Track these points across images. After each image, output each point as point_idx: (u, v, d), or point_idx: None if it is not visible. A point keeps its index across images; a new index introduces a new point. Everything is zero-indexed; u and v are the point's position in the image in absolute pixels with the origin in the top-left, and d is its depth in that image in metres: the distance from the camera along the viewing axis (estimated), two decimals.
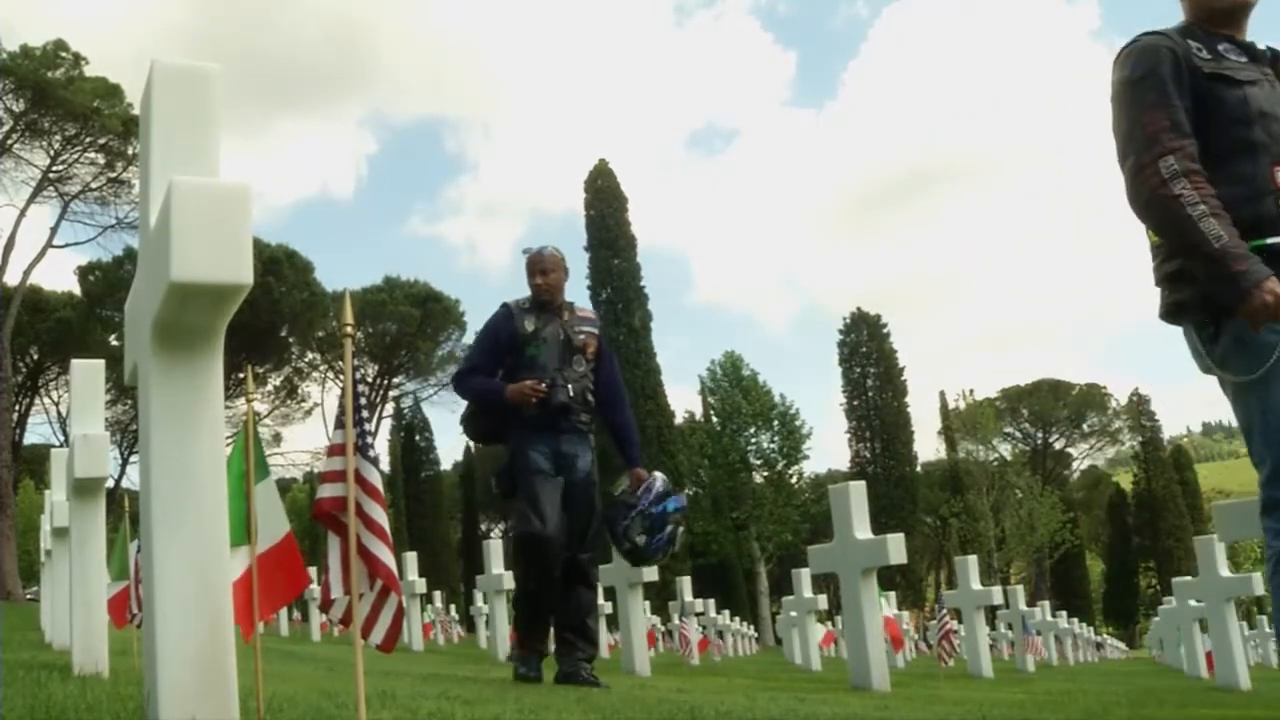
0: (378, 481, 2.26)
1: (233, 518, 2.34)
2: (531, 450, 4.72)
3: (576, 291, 42.78)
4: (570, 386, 4.76)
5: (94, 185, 30.26)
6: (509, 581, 9.88)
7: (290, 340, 39.96)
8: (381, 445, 42.90)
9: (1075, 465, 64.30)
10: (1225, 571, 7.21)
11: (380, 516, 2.23)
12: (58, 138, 29.07)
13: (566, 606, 4.74)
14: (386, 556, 2.23)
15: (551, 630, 4.84)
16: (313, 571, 12.41)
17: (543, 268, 4.92)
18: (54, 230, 30.68)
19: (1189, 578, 8.85)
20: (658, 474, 5.00)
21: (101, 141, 29.26)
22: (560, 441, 4.79)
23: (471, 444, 52.06)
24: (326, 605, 2.33)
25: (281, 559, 2.53)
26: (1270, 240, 2.49)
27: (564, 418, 4.77)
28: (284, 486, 44.18)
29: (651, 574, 7.54)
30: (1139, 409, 58.88)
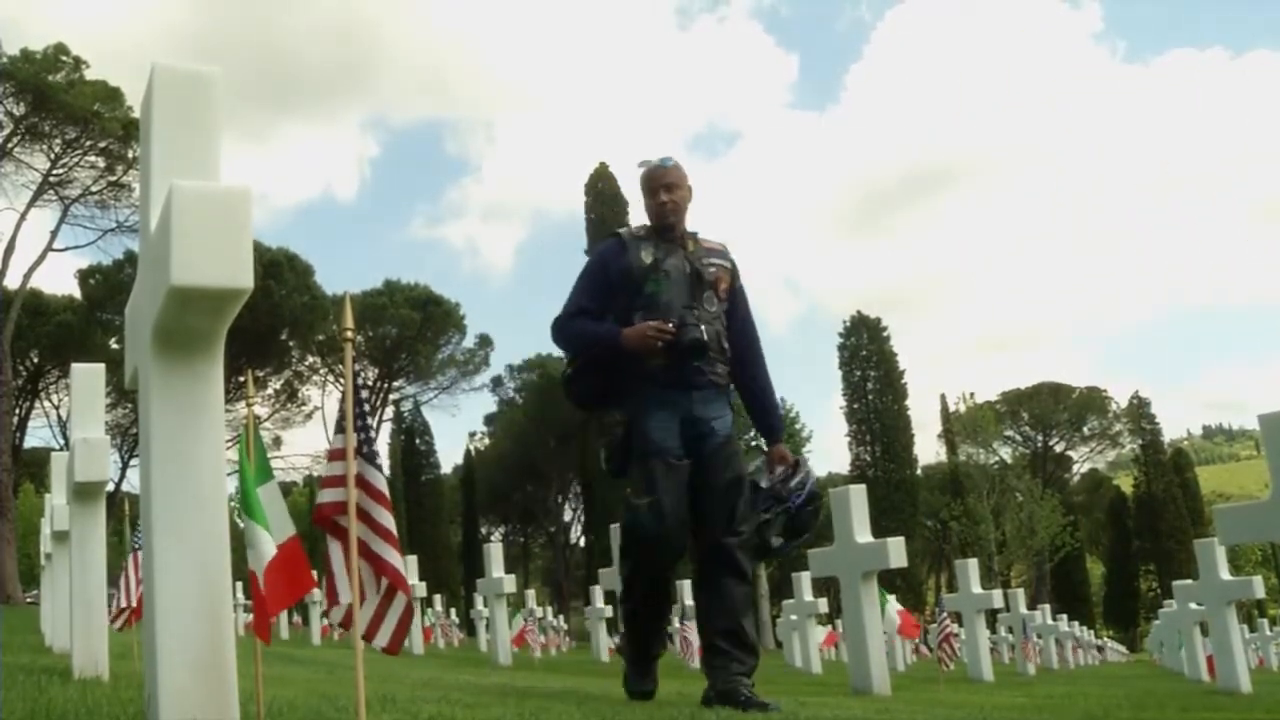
0: (383, 486, 2.26)
1: (257, 513, 2.33)
2: (654, 423, 3.76)
3: None
4: (704, 327, 3.79)
5: (94, 189, 30.29)
6: (509, 585, 9.90)
7: (291, 344, 39.95)
8: (381, 449, 42.81)
9: (1075, 468, 64.25)
10: (1226, 574, 7.21)
11: (387, 520, 2.23)
12: (58, 141, 29.09)
13: (716, 606, 3.79)
14: (394, 558, 2.23)
15: (657, 640, 4.13)
16: (313, 574, 12.41)
17: (666, 182, 3.90)
18: (54, 234, 30.71)
19: (1189, 581, 8.84)
20: (809, 465, 4.03)
21: (102, 145, 29.28)
22: (693, 401, 3.80)
23: (473, 448, 52.07)
24: (330, 609, 2.33)
25: (285, 563, 2.52)
26: None
27: (697, 369, 3.79)
28: (284, 490, 44.15)
29: None
30: (1139, 412, 58.84)
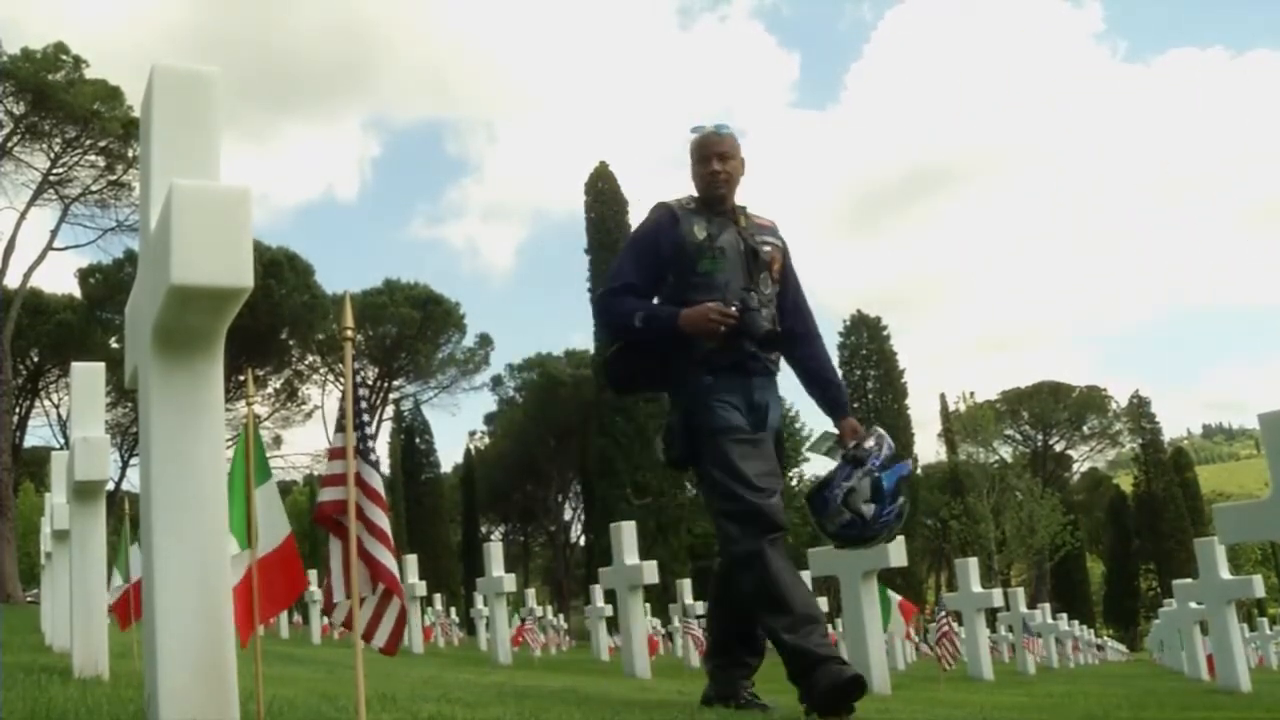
0: (379, 485, 2.26)
1: (234, 522, 2.34)
2: (719, 401, 3.50)
3: (578, 293, 42.71)
4: (764, 311, 3.58)
5: (94, 188, 30.30)
6: (509, 584, 9.90)
7: (290, 343, 39.97)
8: (381, 448, 42.92)
9: (1076, 467, 64.26)
10: (1226, 574, 7.21)
11: (382, 520, 2.24)
12: (58, 140, 29.09)
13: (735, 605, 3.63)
14: (388, 560, 2.23)
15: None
16: (312, 574, 12.44)
17: (720, 150, 3.64)
18: (54, 233, 30.72)
19: (1189, 580, 8.85)
20: (880, 430, 3.71)
21: (102, 144, 29.28)
22: (752, 387, 3.57)
23: (473, 447, 52.08)
24: (329, 609, 2.33)
25: (281, 563, 2.53)
26: None
27: (753, 355, 3.56)
28: (284, 489, 44.17)
29: (652, 576, 7.54)
30: (1139, 411, 58.84)
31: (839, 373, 3.94)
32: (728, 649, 3.68)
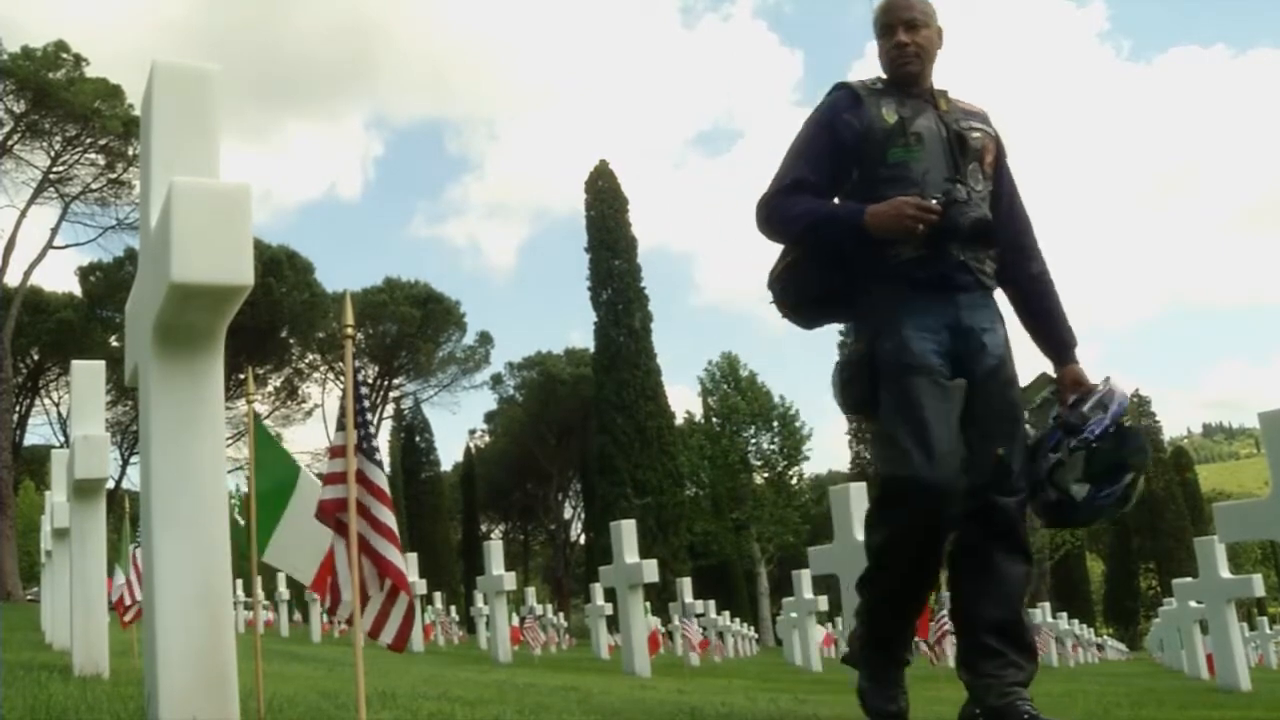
0: (383, 483, 2.26)
1: (261, 528, 2.34)
2: (912, 330, 2.77)
3: (578, 291, 42.73)
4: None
5: (94, 186, 30.29)
6: (509, 582, 9.90)
7: (291, 341, 39.96)
8: (382, 446, 42.91)
9: None
10: (1226, 573, 7.21)
11: (387, 518, 2.24)
12: (58, 139, 29.09)
13: (986, 590, 2.77)
14: (395, 557, 2.23)
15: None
16: None
17: (908, 17, 2.92)
18: (55, 231, 30.72)
19: (1189, 579, 8.85)
20: (1113, 383, 2.91)
21: (102, 142, 29.27)
22: (958, 307, 2.82)
23: (473, 445, 52.04)
24: (335, 607, 2.33)
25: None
26: None
27: (963, 264, 2.82)
28: None
29: (652, 574, 7.54)
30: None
31: (1062, 308, 3.07)
32: (983, 649, 2.76)
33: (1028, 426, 2.91)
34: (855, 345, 2.91)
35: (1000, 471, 2.77)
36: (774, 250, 3.05)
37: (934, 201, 2.73)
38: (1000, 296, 2.98)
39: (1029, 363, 2.99)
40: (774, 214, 2.94)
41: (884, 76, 2.97)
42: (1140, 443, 2.84)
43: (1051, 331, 3.02)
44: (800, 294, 2.98)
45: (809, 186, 2.90)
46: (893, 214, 2.73)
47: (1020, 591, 2.81)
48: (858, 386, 2.86)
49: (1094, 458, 2.77)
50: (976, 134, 2.93)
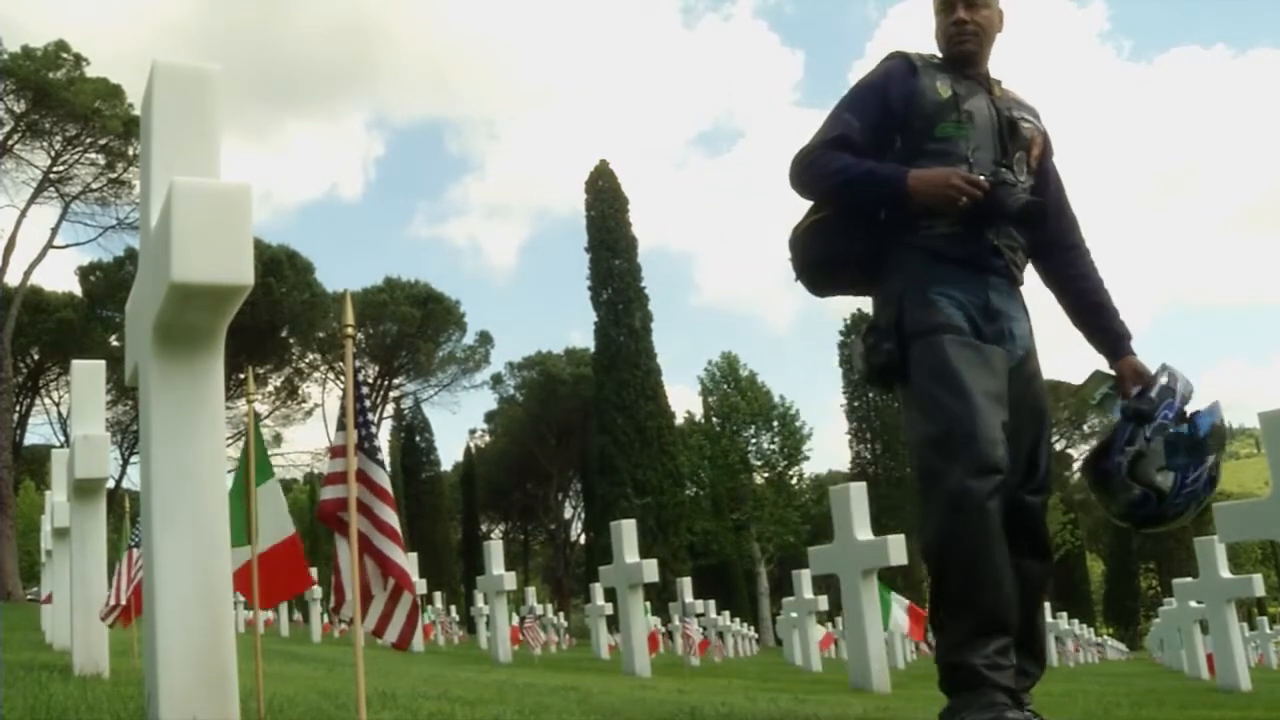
0: (385, 482, 2.27)
1: (234, 519, 2.35)
2: (941, 296, 2.66)
3: (578, 291, 42.70)
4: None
5: (95, 186, 30.31)
6: (509, 582, 9.90)
7: (291, 341, 39.98)
8: (382, 446, 42.93)
9: (1075, 466, 64.34)
10: (1226, 572, 7.21)
11: (390, 517, 2.24)
12: (58, 138, 29.11)
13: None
14: (399, 556, 2.24)
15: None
16: (313, 572, 12.44)
17: None
18: (55, 231, 30.75)
19: (1190, 579, 8.85)
20: (1172, 367, 2.79)
21: (102, 142, 29.29)
22: (989, 288, 2.70)
23: (473, 445, 52.02)
24: (339, 606, 2.34)
25: (285, 558, 2.53)
26: None
27: (995, 249, 2.73)
28: (285, 487, 44.19)
29: (652, 574, 7.54)
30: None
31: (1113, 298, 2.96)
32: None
33: (1090, 424, 2.59)
34: (881, 315, 2.79)
35: (1031, 464, 2.69)
36: (779, 246, 2.96)
37: (982, 178, 2.63)
38: (1028, 293, 2.89)
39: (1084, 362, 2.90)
40: (812, 166, 2.80)
41: (939, 55, 2.88)
42: (1218, 417, 2.70)
43: (1108, 324, 2.92)
44: (821, 251, 2.84)
45: (853, 144, 2.77)
46: (939, 181, 2.62)
47: (1039, 593, 2.74)
48: (882, 354, 2.73)
49: (1175, 442, 2.64)
50: (1027, 124, 2.86)
